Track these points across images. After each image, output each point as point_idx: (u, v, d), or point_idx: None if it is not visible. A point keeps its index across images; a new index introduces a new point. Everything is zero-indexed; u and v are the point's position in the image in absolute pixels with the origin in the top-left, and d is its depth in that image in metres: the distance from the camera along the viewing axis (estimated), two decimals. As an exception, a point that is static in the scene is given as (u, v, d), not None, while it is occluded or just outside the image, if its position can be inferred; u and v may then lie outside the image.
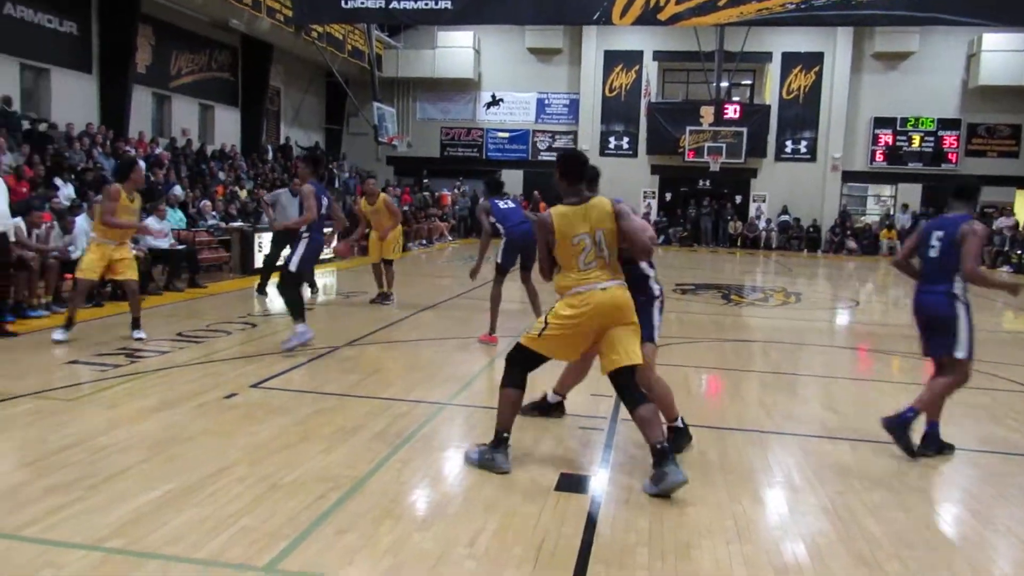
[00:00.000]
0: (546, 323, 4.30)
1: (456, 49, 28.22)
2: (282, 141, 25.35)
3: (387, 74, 27.81)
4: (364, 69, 25.45)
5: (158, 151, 17.54)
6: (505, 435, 4.37)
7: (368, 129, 24.38)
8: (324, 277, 13.96)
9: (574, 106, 28.65)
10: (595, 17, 14.83)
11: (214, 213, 14.80)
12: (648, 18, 14.63)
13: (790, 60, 27.24)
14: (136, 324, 7.55)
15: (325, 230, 7.86)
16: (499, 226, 7.91)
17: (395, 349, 7.83)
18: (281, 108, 25.90)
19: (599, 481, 4.27)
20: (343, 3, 14.69)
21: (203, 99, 21.58)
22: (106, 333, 7.82)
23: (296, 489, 3.94)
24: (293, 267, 7.16)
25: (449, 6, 14.60)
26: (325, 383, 6.21)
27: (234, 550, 3.26)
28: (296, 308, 7.22)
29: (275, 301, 10.95)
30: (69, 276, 8.98)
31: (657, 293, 4.75)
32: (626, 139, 28.50)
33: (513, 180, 29.04)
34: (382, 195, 10.81)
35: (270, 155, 23.46)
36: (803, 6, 14.18)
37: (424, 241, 22.53)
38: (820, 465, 4.70)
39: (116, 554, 3.19)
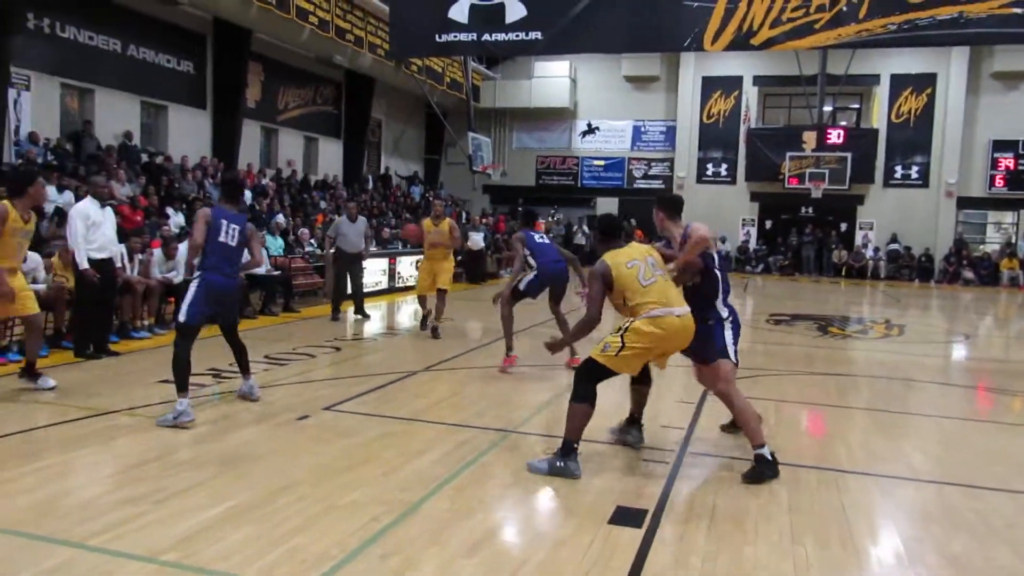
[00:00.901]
0: (623, 343, 4.61)
1: (552, 79, 28.54)
2: (382, 171, 26.17)
3: (484, 104, 28.37)
4: (462, 100, 26.02)
5: (264, 181, 18.44)
6: (575, 445, 4.65)
7: (465, 159, 24.89)
8: (409, 304, 14.26)
9: (671, 133, 28.39)
10: (686, 44, 14.59)
11: (312, 240, 15.39)
12: (741, 43, 14.29)
13: (900, 82, 26.15)
14: (31, 370, 6.45)
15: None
16: (531, 260, 8.04)
17: (471, 375, 7.87)
18: (382, 139, 26.78)
19: (655, 516, 4.15)
20: (437, 37, 14.99)
21: (308, 132, 22.57)
22: (198, 354, 8.19)
23: (351, 511, 4.01)
24: (182, 316, 5.72)
25: (540, 37, 14.71)
26: (396, 407, 6.31)
27: (281, 568, 3.34)
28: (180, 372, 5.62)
29: (370, 324, 11.29)
30: (172, 299, 9.53)
31: (726, 315, 5.09)
32: (724, 166, 27.98)
33: (608, 208, 28.94)
34: (448, 219, 10.70)
35: (370, 184, 24.24)
36: (906, 26, 13.52)
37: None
38: (898, 509, 4.42)
39: (170, 567, 3.32)
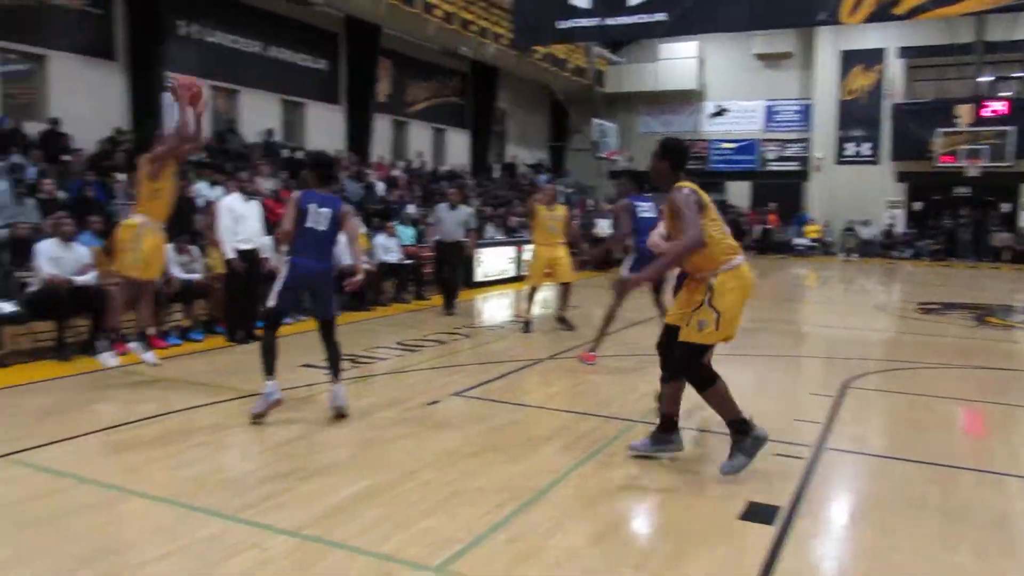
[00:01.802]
0: (717, 312, 4.25)
1: (679, 61, 27.85)
2: (508, 160, 26.44)
3: (609, 89, 28.07)
4: (586, 86, 25.89)
5: (395, 173, 19.04)
6: (746, 420, 4.38)
7: (590, 145, 24.77)
8: (542, 291, 14.34)
9: (806, 112, 27.10)
10: (820, 18, 13.95)
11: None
12: (883, 14, 13.48)
13: (1070, 46, 23.78)
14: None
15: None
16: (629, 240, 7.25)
17: (597, 363, 7.85)
18: (507, 128, 27.04)
19: (789, 514, 4.00)
20: (559, 24, 15.03)
21: (436, 123, 23.11)
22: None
23: (477, 496, 4.10)
24: (270, 300, 5.58)
25: (664, 19, 14.44)
26: (523, 394, 6.40)
27: (411, 548, 3.46)
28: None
29: (496, 312, 11.46)
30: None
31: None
32: (866, 145, 26.42)
33: (740, 192, 28.05)
34: (563, 206, 9.92)
35: (496, 174, 24.55)
36: (1076, -15, 12.34)
37: (643, 255, 22.35)
38: (1064, 515, 4.06)
39: (310, 541, 3.51)
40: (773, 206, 26.46)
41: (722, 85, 28.17)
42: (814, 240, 26.20)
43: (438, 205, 11.43)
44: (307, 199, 5.47)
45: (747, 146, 28.12)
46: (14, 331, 7.33)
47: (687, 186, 4.39)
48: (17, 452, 4.59)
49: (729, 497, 4.14)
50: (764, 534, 3.71)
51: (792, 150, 27.51)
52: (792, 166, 27.53)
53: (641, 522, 3.94)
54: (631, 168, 27.48)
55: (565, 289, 9.74)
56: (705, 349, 4.40)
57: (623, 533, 3.73)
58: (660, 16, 14.29)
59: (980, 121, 23.35)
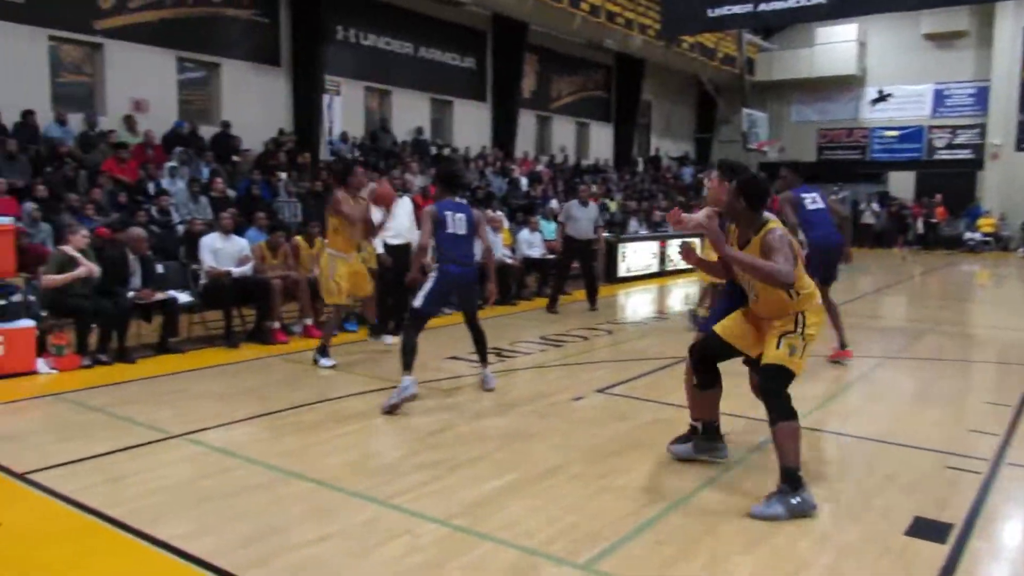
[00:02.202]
0: (805, 340, 3.97)
1: (837, 45, 26.40)
2: (652, 153, 26.03)
3: (760, 78, 27.03)
4: (736, 75, 25.05)
5: (539, 168, 19.21)
6: (800, 473, 3.89)
7: (738, 136, 23.95)
8: (680, 287, 14.04)
9: (982, 95, 24.97)
10: (1003, -8, 12.76)
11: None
12: (1077, -16, 12.18)
13: None
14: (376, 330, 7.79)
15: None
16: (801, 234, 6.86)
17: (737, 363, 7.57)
18: (652, 120, 26.61)
19: (963, 532, 3.71)
20: (710, 12, 14.61)
21: (579, 117, 23.09)
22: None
23: (624, 494, 4.06)
24: (417, 303, 5.87)
25: (824, 1, 13.71)
26: (667, 393, 6.26)
27: (558, 543, 3.48)
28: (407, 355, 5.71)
29: (641, 308, 11.34)
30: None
31: None
32: (1052, 130, 24.04)
33: (903, 183, 26.29)
34: None
35: (640, 167, 24.23)
36: None
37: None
38: None
39: (460, 531, 3.59)
40: (939, 198, 24.58)
41: (885, 69, 26.46)
42: (988, 235, 24.10)
43: (569, 203, 11.23)
44: (442, 209, 5.85)
45: (913, 133, 26.29)
46: (190, 319, 7.98)
47: (779, 227, 4.02)
48: (192, 432, 4.99)
49: (894, 511, 3.89)
50: (933, 553, 3.45)
51: (964, 137, 25.48)
52: (964, 154, 25.47)
53: (795, 531, 3.76)
54: (784, 160, 26.39)
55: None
56: (791, 377, 3.96)
57: (776, 543, 3.57)
58: (819, -1, 13.59)
59: None
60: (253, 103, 14.21)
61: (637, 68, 23.48)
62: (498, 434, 5.09)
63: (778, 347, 3.95)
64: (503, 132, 19.52)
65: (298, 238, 8.62)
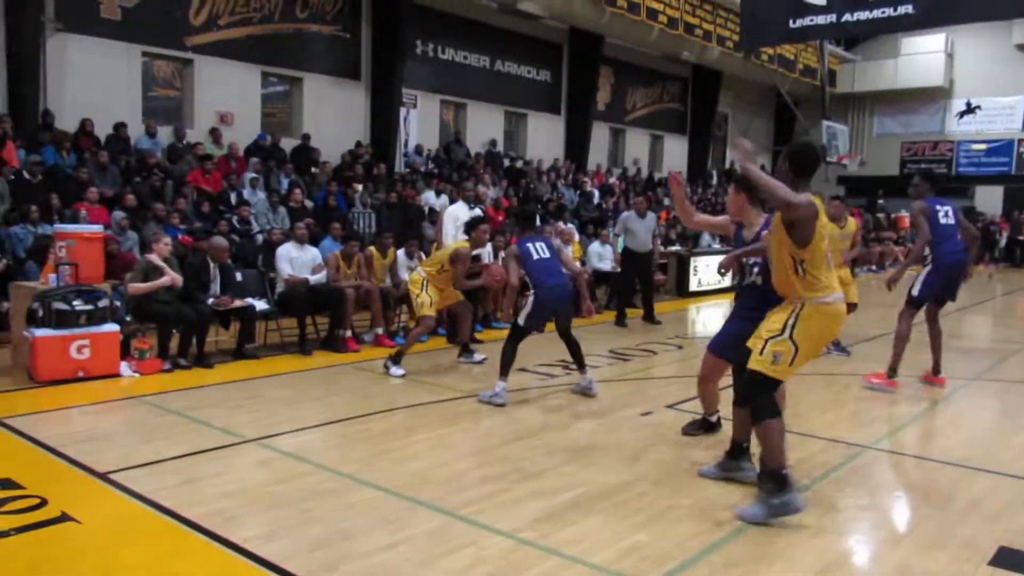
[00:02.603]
0: (796, 346, 3.82)
1: (923, 56, 25.54)
2: (727, 166, 25.61)
3: (841, 89, 26.34)
4: (816, 86, 24.45)
5: (611, 180, 19.12)
6: (785, 471, 3.87)
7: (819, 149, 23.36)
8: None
9: (1079, 107, 23.77)
10: (1105, -2, 12.16)
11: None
12: None
13: None
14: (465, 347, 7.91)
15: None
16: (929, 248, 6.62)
17: (816, 382, 7.36)
18: (728, 133, 26.20)
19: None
20: (791, 23, 14.29)
21: (654, 130, 22.92)
22: (549, 346, 8.75)
23: (691, 514, 3.99)
24: (520, 320, 6.38)
25: (911, 10, 13.25)
26: (739, 411, 6.13)
27: (625, 562, 3.43)
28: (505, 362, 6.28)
29: (713, 324, 11.14)
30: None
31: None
32: None
33: (990, 198, 25.18)
34: (854, 219, 8.63)
35: (714, 180, 23.87)
36: None
37: (874, 267, 20.74)
38: None
39: (526, 545, 3.59)
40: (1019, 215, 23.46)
41: (973, 80, 25.46)
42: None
43: (625, 214, 11.02)
44: (523, 243, 6.49)
45: (1002, 147, 25.20)
46: (266, 327, 8.21)
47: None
48: (266, 437, 5.12)
49: (977, 538, 3.72)
50: (1022, 586, 3.29)
51: (1058, 151, 24.27)
52: (1056, 168, 24.27)
53: (870, 556, 3.63)
54: (863, 174, 25.59)
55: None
56: (777, 384, 3.97)
57: (850, 567, 3.46)
58: (906, 8, 13.15)
59: None
60: (332, 116, 14.59)
61: (714, 80, 23.18)
62: (566, 447, 5.07)
63: (761, 353, 3.89)
64: (576, 144, 19.52)
65: (371, 248, 8.79)
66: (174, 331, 7.08)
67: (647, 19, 17.94)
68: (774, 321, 3.92)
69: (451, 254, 7.34)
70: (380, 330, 8.33)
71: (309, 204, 11.83)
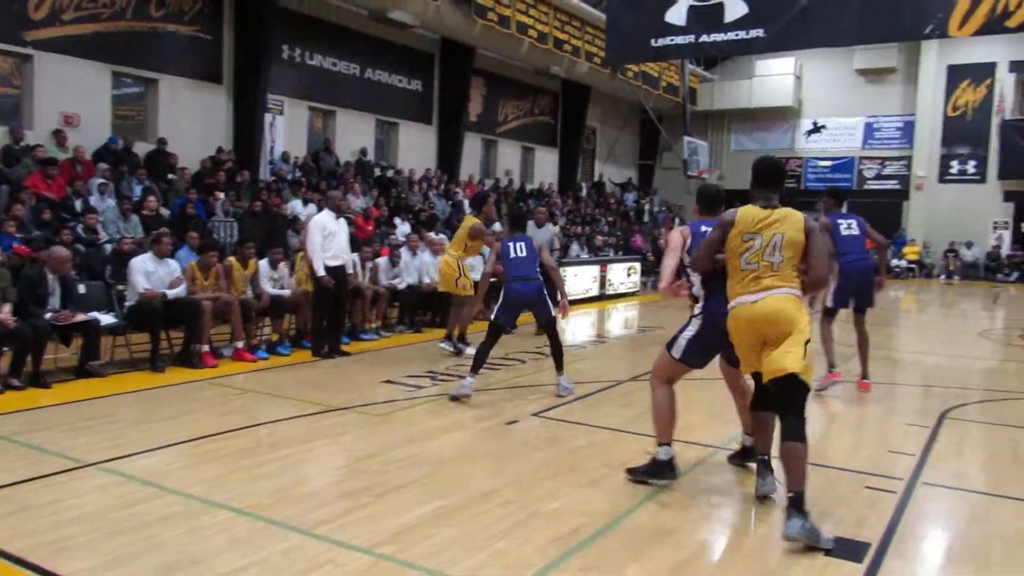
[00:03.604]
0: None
1: (775, 77, 27.24)
2: (596, 178, 26.35)
3: (702, 107, 27.66)
4: (678, 103, 25.58)
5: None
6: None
7: (679, 163, 24.42)
8: (625, 311, 14.20)
9: (908, 129, 26.03)
10: (928, 31, 13.33)
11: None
12: (994, 26, 12.81)
13: None
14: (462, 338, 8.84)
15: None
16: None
17: (683, 386, 7.66)
18: (596, 146, 26.97)
19: (879, 551, 3.78)
20: (653, 42, 14.85)
21: (525, 142, 23.27)
22: (418, 356, 8.71)
23: (554, 519, 4.04)
24: (493, 315, 7.02)
25: (762, 34, 14.09)
26: (602, 416, 6.30)
27: (484, 571, 3.43)
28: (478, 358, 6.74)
29: (580, 331, 11.39)
30: (396, 304, 10.22)
31: (697, 311, 4.50)
32: (972, 163, 25.19)
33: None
34: None
35: (584, 192, 24.50)
36: None
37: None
38: None
39: (385, 560, 3.52)
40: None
41: (820, 101, 27.38)
42: (913, 262, 25.07)
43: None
44: (505, 242, 7.11)
45: (845, 164, 27.20)
46: (113, 342, 7.70)
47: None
48: (109, 460, 4.77)
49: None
50: (851, 572, 3.53)
51: (892, 168, 26.49)
52: (891, 185, 26.47)
53: (721, 554, 3.80)
54: (724, 187, 26.93)
55: None
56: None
57: (701, 565, 3.60)
58: (758, 32, 13.97)
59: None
60: (191, 120, 13.94)
61: (583, 94, 23.81)
62: (430, 459, 5.03)
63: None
64: (448, 154, 19.54)
65: (232, 259, 8.44)
66: (4, 349, 6.51)
67: (517, 33, 18.22)
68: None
69: (468, 231, 8.48)
70: (240, 344, 8.00)
71: (165, 212, 11.24)
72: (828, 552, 3.69)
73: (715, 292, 4.30)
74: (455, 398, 6.51)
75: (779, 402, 3.97)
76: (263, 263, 8.59)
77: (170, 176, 12.41)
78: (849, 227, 7.13)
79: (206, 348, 7.67)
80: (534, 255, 7.06)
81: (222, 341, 8.29)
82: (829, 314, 7.32)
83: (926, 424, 6.13)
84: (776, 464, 4.23)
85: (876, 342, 10.37)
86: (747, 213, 4.07)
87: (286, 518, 3.93)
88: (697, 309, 4.51)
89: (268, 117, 14.94)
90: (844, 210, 7.56)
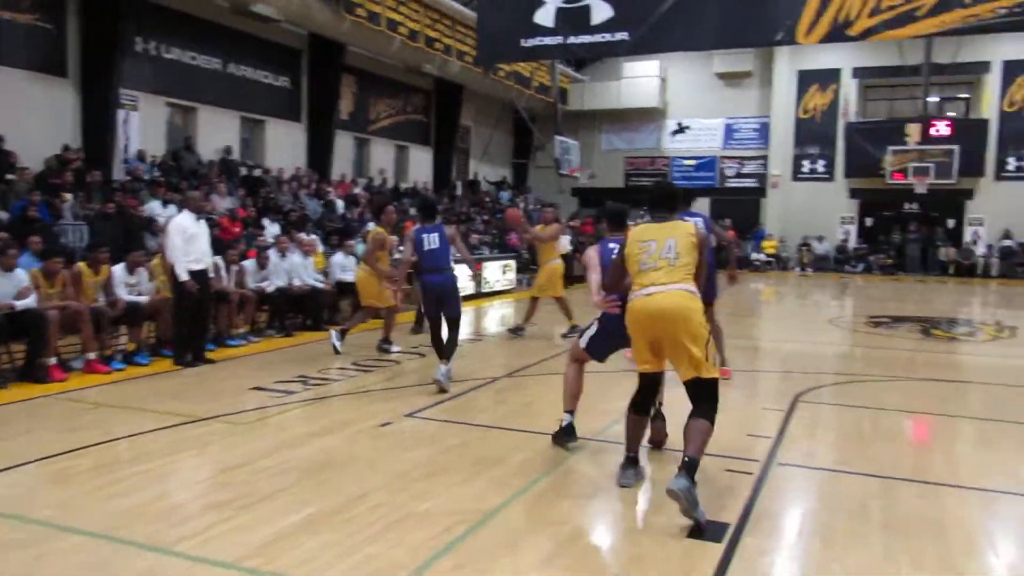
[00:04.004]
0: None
1: (642, 79, 28.18)
2: (471, 177, 26.45)
3: (572, 107, 28.27)
4: (550, 103, 26.03)
5: (357, 191, 18.93)
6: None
7: (552, 162, 24.86)
8: (501, 308, 14.32)
9: (764, 130, 27.59)
10: (778, 37, 14.18)
11: (401, 248, 15.62)
12: (837, 35, 13.76)
13: (1013, 68, 24.58)
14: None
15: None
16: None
17: (553, 381, 7.79)
18: (471, 145, 27.07)
19: (737, 530, 3.99)
20: (523, 42, 15.06)
21: (399, 140, 23.04)
22: (288, 361, 8.47)
23: (426, 519, 4.03)
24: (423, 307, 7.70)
25: (626, 37, 14.56)
26: (476, 414, 6.34)
27: (354, 577, 3.38)
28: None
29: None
30: (265, 308, 9.89)
31: (599, 314, 5.00)
32: (821, 162, 26.99)
33: (699, 208, 28.30)
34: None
35: (459, 191, 24.53)
36: (1018, 9, 12.73)
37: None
38: (1004, 527, 4.12)
39: (250, 574, 3.40)
40: (729, 222, 26.75)
41: (683, 103, 28.56)
42: (771, 255, 26.62)
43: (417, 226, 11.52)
44: (418, 232, 7.11)
45: (707, 163, 28.49)
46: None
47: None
48: (-55, 483, 4.40)
49: (679, 516, 4.10)
50: (713, 552, 3.70)
51: (751, 167, 27.97)
52: (750, 183, 27.96)
53: (590, 543, 3.90)
54: (594, 186, 27.68)
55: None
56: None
57: (571, 554, 3.68)
58: (622, 35, 14.43)
59: (927, 140, 24.03)
60: (33, 116, 12.93)
61: (456, 93, 23.81)
62: (299, 466, 4.89)
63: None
64: (319, 153, 19.05)
65: (81, 264, 7.90)
66: None
67: (388, 30, 18.01)
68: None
69: (373, 242, 8.55)
70: (92, 355, 7.50)
71: (3, 216, 10.39)
72: (694, 533, 3.85)
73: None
74: (443, 390, 6.80)
75: (696, 394, 4.27)
76: (118, 268, 8.09)
77: (9, 176, 11.47)
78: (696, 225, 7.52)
79: (53, 361, 7.13)
80: (447, 245, 7.13)
81: (73, 353, 7.76)
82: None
83: (781, 407, 6.51)
84: (643, 459, 4.75)
85: (739, 332, 10.96)
86: (643, 227, 4.53)
87: (143, 537, 3.73)
88: (599, 312, 5.00)
89: (122, 113, 14.08)
90: (692, 209, 7.85)
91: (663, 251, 4.30)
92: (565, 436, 5.20)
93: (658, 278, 4.25)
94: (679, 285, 4.24)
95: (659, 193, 4.68)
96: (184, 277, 7.72)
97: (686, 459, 4.02)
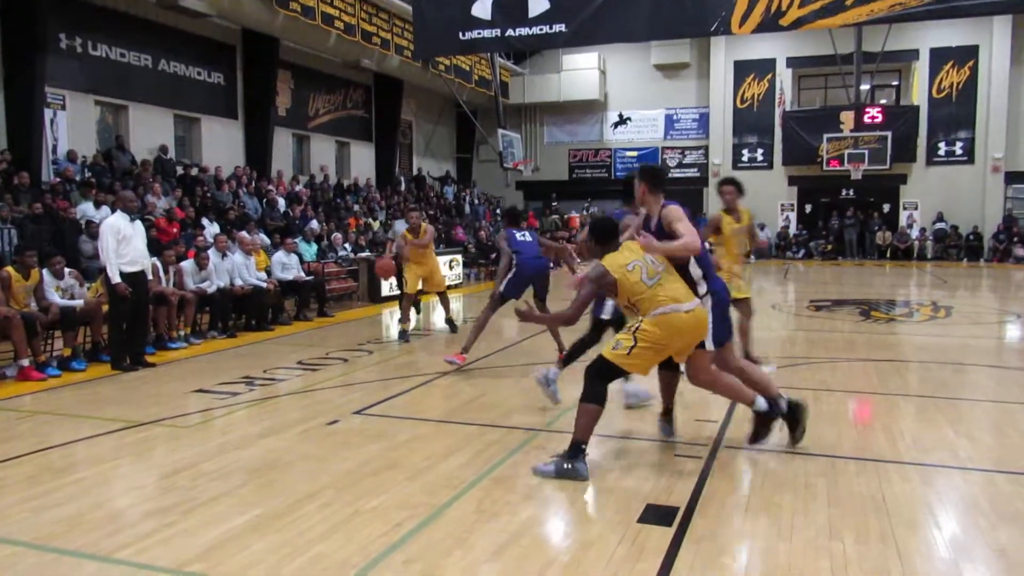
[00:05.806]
0: (635, 341, 4.50)
1: (581, 71, 28.30)
2: (415, 172, 26.26)
3: (514, 100, 28.26)
4: (491, 97, 25.97)
5: (298, 188, 18.61)
6: (584, 447, 4.54)
7: (496, 156, 24.84)
8: (450, 303, 14.23)
9: (704, 120, 27.99)
10: (713, 28, 14.34)
11: (346, 245, 15.46)
12: (769, 24, 14.00)
13: (940, 56, 25.39)
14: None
15: None
16: (513, 256, 7.94)
17: (504, 374, 7.80)
18: (413, 140, 26.85)
19: (686, 514, 4.04)
20: (461, 35, 14.96)
21: (339, 136, 22.72)
22: (232, 363, 8.30)
23: (375, 517, 3.98)
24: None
25: (563, 29, 14.56)
26: (426, 409, 6.29)
27: (303, 577, 3.31)
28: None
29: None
30: (207, 310, 9.66)
31: (703, 292, 4.91)
32: (760, 151, 27.49)
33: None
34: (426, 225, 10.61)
35: (403, 186, 24.33)
36: (942, -3, 13.12)
37: (551, 264, 22.58)
38: (943, 499, 4.25)
39: (194, 578, 3.31)
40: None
41: (624, 95, 28.79)
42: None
43: (397, 221, 11.84)
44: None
45: (649, 154, 28.76)
46: None
47: (603, 264, 4.77)
48: None
49: (629, 502, 4.15)
50: (663, 536, 3.73)
51: (692, 157, 28.35)
52: (692, 173, 28.35)
53: (541, 533, 3.89)
54: (539, 179, 27.76)
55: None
56: (612, 368, 4.58)
57: (523, 545, 3.67)
58: (559, 27, 14.42)
59: (861, 127, 24.67)
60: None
61: (396, 88, 23.56)
62: (245, 468, 4.79)
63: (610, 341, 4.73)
64: (257, 151, 18.65)
65: (9, 269, 7.59)
66: None
67: (323, 24, 17.71)
68: (628, 325, 4.70)
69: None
70: (26, 362, 7.23)
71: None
72: (645, 518, 3.89)
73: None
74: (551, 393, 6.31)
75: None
76: (46, 272, 7.81)
77: (-70, 180, 10.99)
78: (524, 235, 8.06)
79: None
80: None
81: (5, 360, 7.46)
82: (499, 300, 7.97)
83: (726, 391, 6.60)
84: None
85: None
86: (612, 258, 4.70)
87: (81, 546, 3.61)
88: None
89: (48, 113, 13.58)
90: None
91: (652, 263, 4.63)
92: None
93: (674, 292, 4.58)
94: (696, 302, 4.64)
95: (601, 226, 4.93)
96: (116, 279, 7.49)
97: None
